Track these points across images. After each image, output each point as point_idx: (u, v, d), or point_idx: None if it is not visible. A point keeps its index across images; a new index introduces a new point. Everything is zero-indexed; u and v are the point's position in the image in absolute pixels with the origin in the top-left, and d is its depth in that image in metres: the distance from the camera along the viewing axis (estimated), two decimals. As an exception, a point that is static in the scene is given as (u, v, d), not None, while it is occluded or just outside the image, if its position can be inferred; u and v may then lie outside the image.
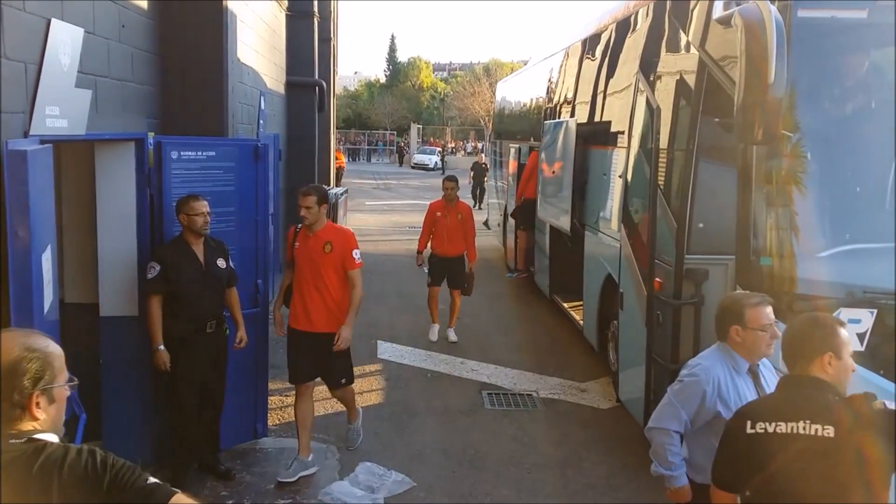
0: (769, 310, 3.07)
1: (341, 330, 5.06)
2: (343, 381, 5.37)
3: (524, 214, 10.51)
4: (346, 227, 5.93)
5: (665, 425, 3.18)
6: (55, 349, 1.86)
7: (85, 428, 3.41)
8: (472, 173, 24.21)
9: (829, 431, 2.34)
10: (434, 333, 8.48)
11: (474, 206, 22.23)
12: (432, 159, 43.85)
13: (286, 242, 5.48)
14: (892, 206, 4.33)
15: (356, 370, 7.25)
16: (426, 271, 8.74)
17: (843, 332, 2.58)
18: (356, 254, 5.11)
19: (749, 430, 2.47)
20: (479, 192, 22.94)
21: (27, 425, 1.78)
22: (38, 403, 1.79)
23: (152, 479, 1.78)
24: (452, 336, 8.46)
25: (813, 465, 2.36)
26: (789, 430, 2.39)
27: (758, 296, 3.18)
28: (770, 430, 2.43)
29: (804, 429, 2.37)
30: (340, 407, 6.39)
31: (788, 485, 2.41)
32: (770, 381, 3.14)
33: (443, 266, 8.44)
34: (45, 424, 1.80)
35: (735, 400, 3.04)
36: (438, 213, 8.33)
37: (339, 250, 5.06)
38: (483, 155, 27.03)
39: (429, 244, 8.62)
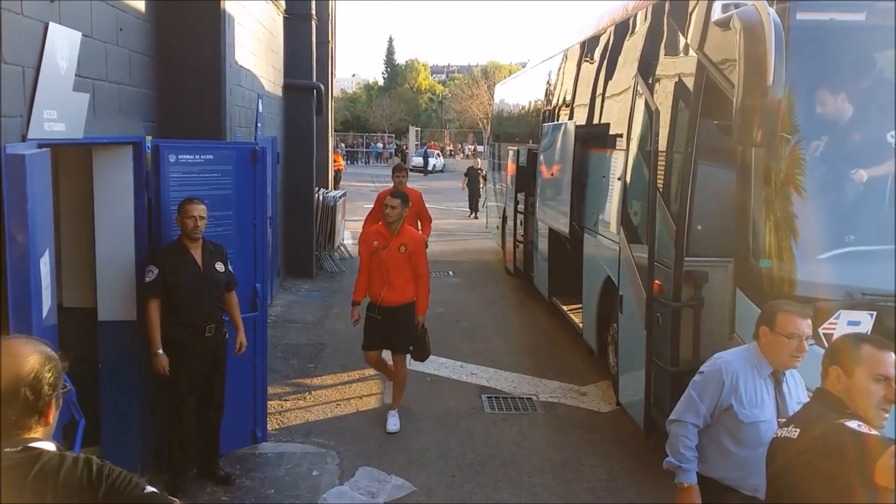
0: (802, 322, 3.02)
1: None
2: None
3: None
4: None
5: (682, 417, 3.21)
6: (57, 355, 1.86)
7: (84, 433, 3.39)
8: (465, 179, 22.31)
9: (795, 433, 2.37)
10: (393, 423, 6.05)
11: (470, 216, 21.10)
12: (430, 161, 43.81)
13: None
14: (891, 208, 4.33)
15: (355, 374, 7.28)
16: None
17: (865, 351, 2.38)
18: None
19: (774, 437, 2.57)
20: (474, 201, 21.41)
21: (35, 432, 1.77)
22: (52, 410, 1.80)
23: (149, 488, 1.76)
24: (393, 425, 6.01)
25: (792, 469, 2.38)
26: (782, 435, 2.45)
27: (797, 306, 3.16)
28: (779, 434, 2.49)
29: (789, 433, 2.41)
30: (340, 411, 6.40)
31: (777, 486, 2.48)
32: (794, 392, 3.15)
33: (381, 320, 6.04)
34: (45, 432, 1.80)
35: (751, 399, 3.08)
36: (376, 242, 6.00)
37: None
38: (478, 159, 25.08)
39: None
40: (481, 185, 20.97)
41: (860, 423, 2.26)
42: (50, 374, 1.77)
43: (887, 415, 2.41)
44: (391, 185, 8.18)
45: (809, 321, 3.06)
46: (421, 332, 6.22)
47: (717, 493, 3.19)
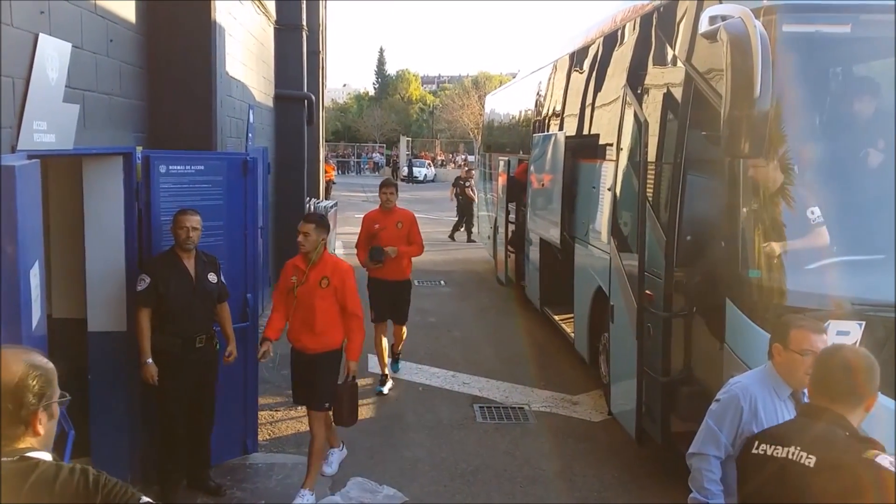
0: (817, 337, 2.88)
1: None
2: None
3: None
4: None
5: (703, 450, 3.02)
6: (51, 366, 1.85)
7: (73, 444, 3.37)
8: (454, 190, 19.61)
9: (811, 461, 2.31)
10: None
11: (461, 229, 18.76)
12: (422, 171, 43.86)
13: None
14: (882, 218, 4.36)
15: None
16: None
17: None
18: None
19: (753, 451, 2.50)
20: (465, 221, 18.63)
21: (26, 442, 1.76)
22: (40, 420, 1.78)
23: (145, 499, 1.76)
24: None
25: (788, 490, 2.34)
26: (782, 455, 2.39)
27: (811, 320, 3.03)
28: (769, 452, 2.43)
29: (792, 454, 2.36)
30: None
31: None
32: None
33: (303, 370, 5.10)
34: (40, 442, 1.79)
35: (770, 421, 2.90)
36: (294, 278, 5.07)
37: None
38: (466, 169, 21.88)
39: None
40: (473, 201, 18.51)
41: (888, 456, 2.22)
42: (35, 384, 1.76)
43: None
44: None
45: (825, 336, 2.92)
46: (348, 388, 5.00)
47: None
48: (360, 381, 6.54)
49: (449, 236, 18.62)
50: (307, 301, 4.98)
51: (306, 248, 5.01)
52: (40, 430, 1.78)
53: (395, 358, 7.82)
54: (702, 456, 3.02)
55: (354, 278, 5.13)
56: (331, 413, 5.10)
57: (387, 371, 7.37)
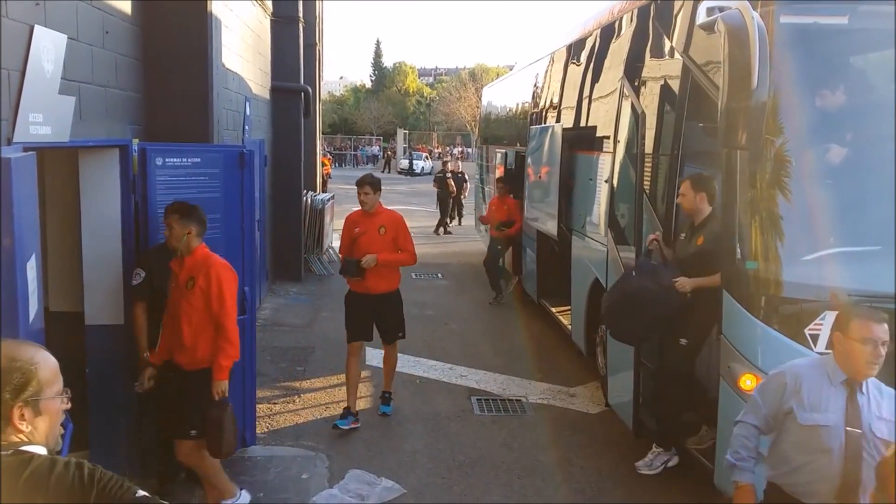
0: (878, 326, 2.93)
1: None
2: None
3: None
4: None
5: (744, 418, 3.21)
6: (44, 360, 1.82)
7: (71, 438, 3.37)
8: (435, 184, 19.56)
9: None
10: None
11: (451, 223, 19.01)
12: (419, 164, 43.80)
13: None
14: (877, 209, 4.37)
15: (344, 377, 7.20)
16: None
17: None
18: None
19: None
20: (456, 209, 19.18)
21: (13, 437, 1.75)
22: (22, 415, 1.75)
23: (141, 492, 1.76)
24: None
25: None
26: None
27: (872, 310, 3.08)
28: None
29: None
30: (330, 413, 6.38)
31: None
32: (875, 406, 2.99)
33: (174, 389, 4.50)
34: (33, 437, 1.78)
35: (813, 403, 2.99)
36: (173, 285, 4.48)
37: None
38: (459, 162, 22.64)
39: None
40: (463, 195, 19.17)
41: None
42: (15, 378, 1.74)
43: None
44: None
45: (885, 325, 2.94)
46: (215, 413, 4.23)
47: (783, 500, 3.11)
48: (363, 374, 6.46)
49: (434, 231, 18.45)
50: (174, 307, 4.33)
51: (172, 243, 4.33)
52: (21, 426, 1.75)
53: (386, 398, 6.44)
54: (742, 424, 3.21)
55: (231, 278, 4.32)
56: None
57: (354, 408, 6.07)
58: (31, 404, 1.77)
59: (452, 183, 18.91)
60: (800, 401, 3.01)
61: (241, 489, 4.60)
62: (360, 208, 6.19)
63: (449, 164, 21.47)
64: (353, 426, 5.98)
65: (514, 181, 10.54)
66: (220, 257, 4.44)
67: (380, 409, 6.41)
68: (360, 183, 6.07)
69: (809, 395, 3.01)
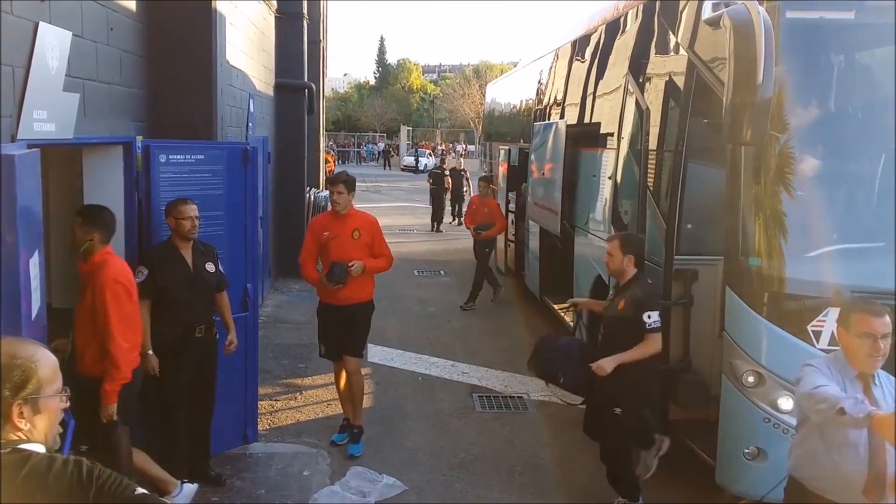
0: (877, 320, 2.91)
1: None
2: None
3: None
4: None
5: (805, 388, 2.93)
6: (45, 358, 1.82)
7: (72, 435, 3.38)
8: (429, 180, 19.40)
9: None
10: None
11: (452, 222, 19.07)
12: (422, 161, 43.80)
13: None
14: (880, 205, 4.36)
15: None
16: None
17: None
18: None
19: None
20: (457, 207, 19.15)
21: (11, 435, 1.75)
22: (21, 413, 1.75)
23: (140, 490, 1.76)
24: None
25: None
26: None
27: (873, 304, 3.05)
28: None
29: None
30: (331, 411, 6.38)
31: None
32: (888, 396, 2.97)
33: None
34: (32, 435, 1.78)
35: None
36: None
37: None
38: (461, 159, 22.62)
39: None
40: (465, 191, 19.08)
41: None
42: (16, 376, 1.74)
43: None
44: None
45: (886, 318, 2.92)
46: (106, 429, 3.94)
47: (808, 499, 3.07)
48: (361, 370, 6.23)
49: (431, 228, 18.46)
50: (76, 315, 4.11)
51: (72, 248, 4.16)
52: (20, 424, 1.75)
53: (354, 434, 5.66)
54: (808, 394, 2.91)
55: (119, 293, 3.97)
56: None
57: (355, 420, 5.72)
58: (31, 402, 1.77)
59: (450, 180, 18.84)
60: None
61: (182, 482, 4.53)
62: (324, 212, 5.92)
63: (447, 161, 21.44)
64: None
65: (517, 178, 10.52)
66: (118, 265, 4.06)
67: (347, 449, 5.59)
68: (334, 181, 5.57)
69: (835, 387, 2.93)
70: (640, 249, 4.74)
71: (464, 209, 19.24)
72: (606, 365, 4.50)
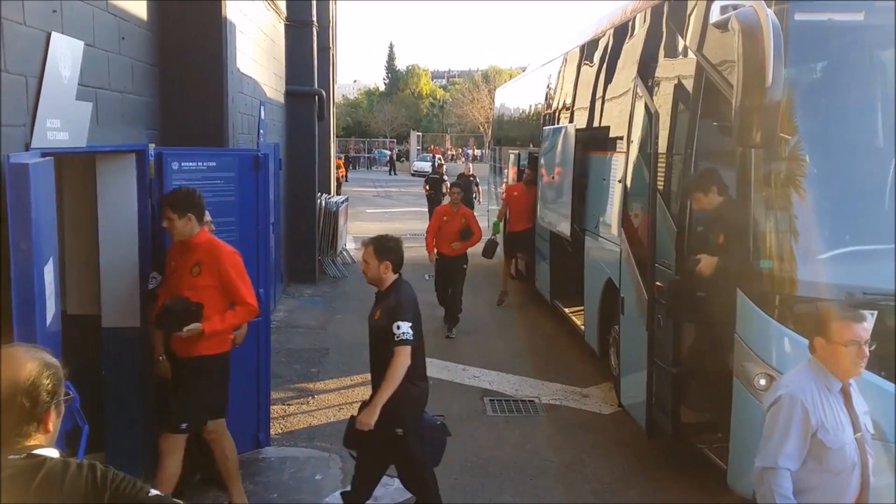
0: (859, 326, 2.84)
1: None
2: None
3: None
4: None
5: (770, 463, 2.86)
6: (59, 364, 1.86)
7: (87, 439, 3.41)
8: (426, 186, 18.02)
9: None
10: None
11: None
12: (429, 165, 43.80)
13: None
14: (891, 207, 4.33)
15: (358, 378, 7.27)
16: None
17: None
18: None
19: None
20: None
21: (36, 439, 1.77)
22: (51, 417, 1.79)
23: (154, 492, 1.78)
24: None
25: None
26: None
27: (851, 310, 2.98)
28: None
29: None
30: (343, 415, 6.39)
31: None
32: (857, 398, 2.93)
33: None
34: (48, 439, 1.81)
35: (832, 422, 2.83)
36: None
37: None
38: (470, 165, 21.47)
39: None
40: (474, 196, 17.74)
41: None
42: (48, 382, 1.77)
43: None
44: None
45: (866, 323, 2.87)
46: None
47: None
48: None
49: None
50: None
51: None
52: (51, 427, 1.79)
53: None
54: (770, 469, 2.86)
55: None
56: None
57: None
58: (58, 406, 1.81)
59: (448, 186, 18.44)
60: (822, 424, 2.82)
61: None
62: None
63: (443, 166, 20.60)
64: None
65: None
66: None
67: None
68: (159, 204, 4.50)
69: (826, 415, 2.84)
70: (397, 255, 4.20)
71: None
72: (368, 419, 4.00)
